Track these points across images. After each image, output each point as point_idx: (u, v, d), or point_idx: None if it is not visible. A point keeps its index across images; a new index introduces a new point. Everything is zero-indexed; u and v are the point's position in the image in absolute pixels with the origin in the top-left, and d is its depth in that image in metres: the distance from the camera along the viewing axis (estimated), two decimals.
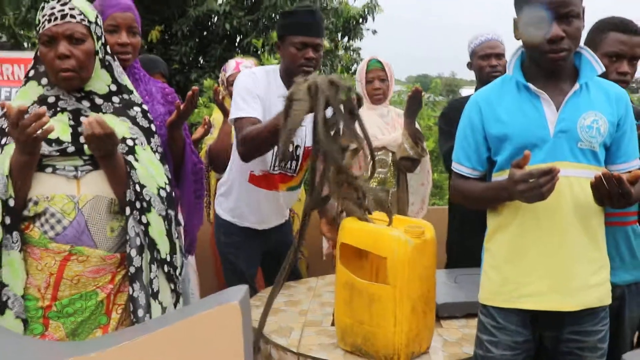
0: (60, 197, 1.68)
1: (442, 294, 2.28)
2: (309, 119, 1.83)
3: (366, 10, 11.89)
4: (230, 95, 3.34)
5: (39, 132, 1.56)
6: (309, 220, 2.01)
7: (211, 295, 1.37)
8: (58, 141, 1.72)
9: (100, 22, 1.83)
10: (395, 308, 1.83)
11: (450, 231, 3.12)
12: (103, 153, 1.68)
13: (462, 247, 2.92)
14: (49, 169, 1.71)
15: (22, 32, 10.06)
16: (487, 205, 1.85)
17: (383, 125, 3.28)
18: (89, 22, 1.76)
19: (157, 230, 1.76)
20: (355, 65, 10.79)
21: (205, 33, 11.50)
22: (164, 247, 1.79)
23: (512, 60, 1.79)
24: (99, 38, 1.81)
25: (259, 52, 10.06)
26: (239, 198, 2.62)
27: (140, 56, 3.07)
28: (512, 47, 3.48)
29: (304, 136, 2.53)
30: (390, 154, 3.25)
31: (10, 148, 1.67)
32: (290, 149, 2.50)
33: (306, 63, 2.38)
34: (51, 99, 1.78)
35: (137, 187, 1.73)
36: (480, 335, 1.84)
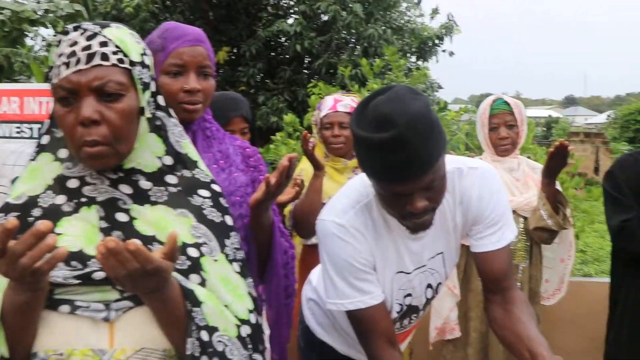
0: (83, 354, 1.06)
1: None
2: None
3: (444, 30, 11.26)
4: (325, 141, 2.71)
5: (40, 262, 0.95)
6: None
7: None
8: (80, 257, 1.09)
9: (149, 61, 1.21)
10: None
11: (616, 325, 2.36)
12: (145, 291, 1.06)
13: (637, 345, 2.20)
14: (65, 307, 1.08)
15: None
16: None
17: (512, 182, 2.59)
18: (131, 63, 1.14)
19: None
20: (420, 86, 10.16)
21: (273, 54, 11.11)
22: None
23: None
24: (146, 87, 1.19)
25: (333, 76, 9.61)
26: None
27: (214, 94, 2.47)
28: None
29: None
30: (521, 220, 2.56)
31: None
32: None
33: (415, 217, 1.38)
34: (73, 183, 1.16)
35: (204, 334, 1.08)
36: None
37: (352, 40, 10.84)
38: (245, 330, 1.18)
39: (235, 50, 10.98)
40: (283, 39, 10.86)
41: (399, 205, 1.35)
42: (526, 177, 2.62)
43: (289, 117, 4.56)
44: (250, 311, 1.22)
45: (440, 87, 12.87)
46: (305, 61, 11.04)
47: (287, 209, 2.55)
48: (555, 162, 2.35)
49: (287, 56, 10.77)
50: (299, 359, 2.00)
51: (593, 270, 7.16)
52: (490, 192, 1.51)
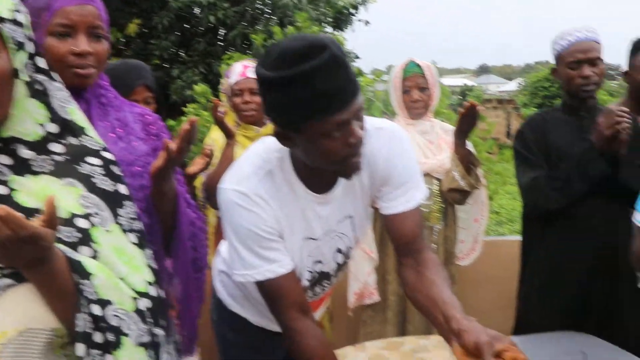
0: None
1: None
2: None
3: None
4: (236, 108, 2.61)
5: None
6: None
7: None
8: None
9: (24, 18, 1.08)
10: None
11: (527, 280, 2.43)
12: (23, 263, 0.95)
13: (548, 303, 2.27)
14: None
15: None
16: None
17: (426, 144, 2.59)
18: (0, 20, 1.02)
19: None
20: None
21: (187, 26, 10.78)
22: None
23: None
24: (20, 46, 1.06)
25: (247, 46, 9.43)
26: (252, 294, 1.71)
27: (114, 63, 2.32)
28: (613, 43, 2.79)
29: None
30: (435, 182, 2.57)
31: None
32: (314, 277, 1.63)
33: (353, 152, 1.31)
34: None
35: (96, 308, 0.99)
36: None
37: (268, 10, 10.66)
38: (144, 304, 1.10)
39: (146, 23, 10.58)
40: (196, 10, 10.55)
41: (339, 145, 1.26)
42: (439, 140, 2.62)
43: (200, 88, 4.39)
44: (150, 283, 1.14)
45: (357, 57, 12.89)
46: (220, 33, 10.77)
47: (199, 180, 2.46)
48: (466, 123, 2.36)
49: (201, 28, 10.47)
50: (213, 333, 1.94)
51: (507, 231, 7.44)
52: (398, 153, 1.47)
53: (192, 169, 2.24)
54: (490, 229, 7.49)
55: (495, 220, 8.37)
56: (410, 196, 1.49)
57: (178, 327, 1.62)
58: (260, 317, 1.73)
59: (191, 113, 4.34)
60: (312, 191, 1.44)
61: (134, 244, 1.15)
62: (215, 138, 2.61)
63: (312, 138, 1.25)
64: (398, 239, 1.51)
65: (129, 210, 1.17)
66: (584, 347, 1.92)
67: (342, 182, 1.45)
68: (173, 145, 1.38)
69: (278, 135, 1.32)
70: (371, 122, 1.47)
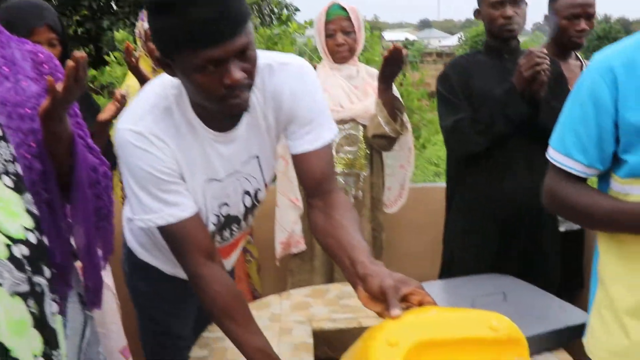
0: None
1: None
2: None
3: None
4: (151, 53, 2.48)
5: None
6: None
7: None
8: None
9: None
10: None
11: (450, 224, 2.43)
12: None
13: (471, 246, 2.28)
14: None
15: None
16: (611, 231, 1.19)
17: (351, 89, 2.53)
18: None
19: (12, 326, 0.96)
20: (284, 11, 9.92)
21: None
22: (27, 349, 0.99)
23: None
24: None
25: None
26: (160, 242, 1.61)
27: (12, 2, 2.15)
28: None
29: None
30: (360, 128, 2.52)
31: None
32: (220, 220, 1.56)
33: (230, 93, 1.22)
34: None
35: None
36: None
37: None
38: (21, 251, 1.02)
39: None
40: None
41: (214, 82, 1.18)
42: (365, 85, 2.56)
43: (120, 34, 4.17)
44: (30, 230, 1.06)
45: (297, 9, 12.66)
46: None
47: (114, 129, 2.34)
48: (390, 68, 2.31)
49: None
50: (125, 285, 1.86)
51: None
52: (304, 89, 1.40)
53: (103, 115, 2.13)
54: (430, 181, 7.55)
55: (435, 171, 8.45)
56: (317, 135, 1.42)
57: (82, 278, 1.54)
58: (172, 266, 1.66)
59: (113, 62, 4.14)
60: (212, 129, 1.36)
61: (9, 187, 1.05)
62: (130, 84, 2.48)
63: (186, 71, 1.19)
64: (306, 179, 1.44)
65: (3, 151, 1.07)
66: (505, 288, 1.94)
67: (245, 120, 1.38)
68: (59, 84, 1.27)
69: (159, 61, 1.25)
70: (276, 58, 1.39)
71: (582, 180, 1.28)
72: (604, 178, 1.28)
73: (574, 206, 1.25)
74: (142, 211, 1.35)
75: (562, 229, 2.49)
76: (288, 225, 2.57)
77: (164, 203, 1.33)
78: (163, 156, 1.31)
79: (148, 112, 1.31)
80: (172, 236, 1.36)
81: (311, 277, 2.64)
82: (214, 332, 1.76)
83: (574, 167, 1.28)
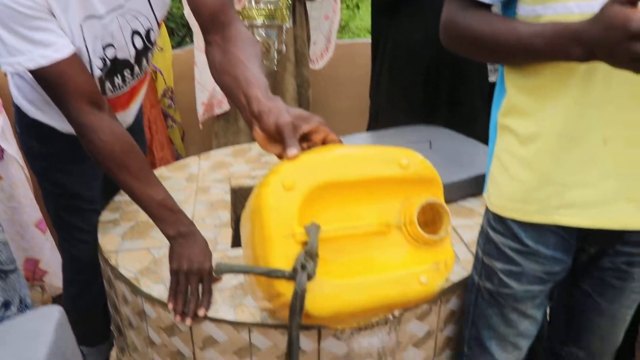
0: None
1: None
2: None
3: None
4: None
5: None
6: None
7: None
8: None
9: None
10: None
11: (375, 77, 2.32)
12: None
13: (396, 97, 2.19)
14: None
15: None
16: (521, 60, 1.08)
17: None
18: None
19: None
20: None
21: None
22: None
23: None
24: None
25: None
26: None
27: None
28: None
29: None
30: None
31: None
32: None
33: None
34: None
35: None
36: (489, 261, 1.18)
37: None
38: None
39: None
40: None
41: None
42: None
43: None
44: None
45: None
46: None
47: None
48: None
49: None
50: (19, 148, 1.70)
51: None
52: None
53: None
54: None
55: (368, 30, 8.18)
56: None
57: None
58: (64, 122, 1.49)
59: None
60: None
61: None
62: None
63: None
64: (200, 12, 1.25)
65: None
66: (431, 137, 1.88)
67: None
68: None
69: None
70: None
71: (486, 7, 1.14)
72: (507, 5, 1.15)
73: (481, 36, 1.09)
74: (7, 54, 1.17)
75: (492, 79, 2.41)
76: (209, 84, 2.41)
77: (32, 43, 1.15)
78: None
79: None
80: (48, 81, 1.20)
81: (237, 138, 2.53)
82: (125, 195, 1.65)
83: None
